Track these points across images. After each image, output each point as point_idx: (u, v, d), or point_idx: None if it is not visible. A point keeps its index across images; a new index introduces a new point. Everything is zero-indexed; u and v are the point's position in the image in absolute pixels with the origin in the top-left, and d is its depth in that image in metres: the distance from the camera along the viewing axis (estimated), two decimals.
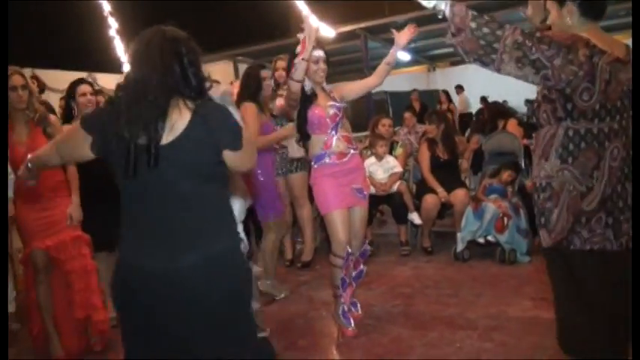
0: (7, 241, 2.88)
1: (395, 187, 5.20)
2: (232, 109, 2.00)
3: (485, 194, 4.75)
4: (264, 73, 4.28)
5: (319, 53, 3.40)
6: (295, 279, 4.82)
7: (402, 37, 3.40)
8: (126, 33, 10.47)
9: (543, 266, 2.24)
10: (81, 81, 3.95)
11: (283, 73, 4.88)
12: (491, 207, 4.56)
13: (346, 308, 3.51)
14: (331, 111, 3.39)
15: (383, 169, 5.32)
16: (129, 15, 9.91)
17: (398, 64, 15.33)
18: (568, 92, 1.88)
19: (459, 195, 4.92)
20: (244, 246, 2.48)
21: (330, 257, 3.46)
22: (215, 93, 2.10)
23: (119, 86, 1.78)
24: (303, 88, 3.33)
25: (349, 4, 12.58)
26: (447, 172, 5.11)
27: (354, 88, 3.62)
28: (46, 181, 3.16)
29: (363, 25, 11.28)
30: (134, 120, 1.67)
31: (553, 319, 2.21)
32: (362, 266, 3.64)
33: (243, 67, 13.15)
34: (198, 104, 1.74)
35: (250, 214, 5.24)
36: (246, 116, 3.51)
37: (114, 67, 11.14)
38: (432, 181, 5.06)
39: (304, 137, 3.45)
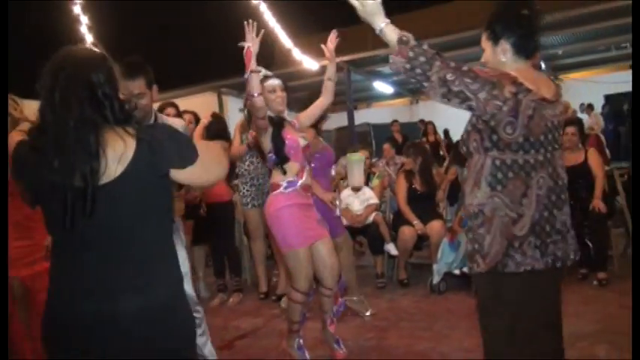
0: (6, 243, 2.80)
1: (371, 218, 5.18)
2: None
3: (462, 225, 4.73)
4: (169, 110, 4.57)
5: (274, 82, 3.33)
6: (269, 312, 4.74)
7: (329, 45, 3.40)
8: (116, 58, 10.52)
9: None
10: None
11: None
12: (465, 237, 4.53)
13: (301, 342, 3.43)
14: (302, 142, 3.32)
15: (359, 200, 5.30)
16: (113, 46, 9.96)
17: (381, 97, 15.57)
18: (493, 124, 1.98)
19: (435, 227, 4.90)
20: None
21: (290, 292, 3.34)
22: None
23: (37, 129, 1.62)
24: (269, 115, 3.25)
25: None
26: (424, 204, 5.10)
27: (309, 113, 3.53)
28: (23, 209, 3.09)
29: (346, 57, 11.37)
30: (66, 166, 1.52)
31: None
32: (341, 299, 3.56)
33: (227, 99, 13.24)
34: (138, 129, 1.59)
35: (225, 248, 5.24)
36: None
37: None
38: (408, 213, 5.04)
39: (283, 160, 3.26)
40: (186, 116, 5.14)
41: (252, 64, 2.99)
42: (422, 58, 1.97)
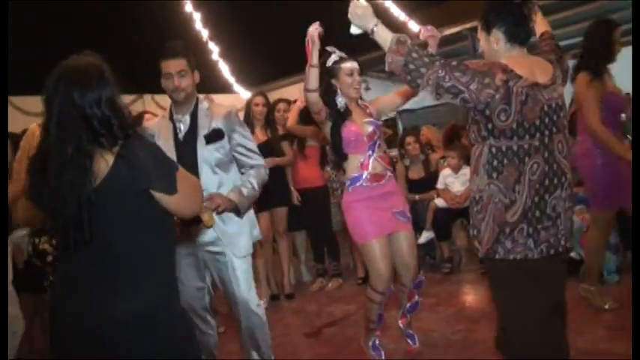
0: (7, 241, 2.97)
1: None
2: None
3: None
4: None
5: (352, 64, 3.09)
6: (364, 298, 4.64)
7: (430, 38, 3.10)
8: (229, 56, 10.95)
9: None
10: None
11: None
12: (575, 219, 4.04)
13: (377, 342, 3.27)
14: (369, 128, 3.09)
15: (459, 181, 4.99)
16: (229, 39, 10.33)
17: None
18: (487, 114, 2.02)
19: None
20: None
21: (367, 291, 3.18)
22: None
23: (40, 153, 1.67)
24: (335, 104, 3.08)
25: (453, 4, 12.05)
26: None
27: (389, 101, 3.28)
28: None
29: (469, 25, 10.74)
30: (61, 195, 1.58)
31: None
32: (417, 297, 3.32)
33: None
34: (122, 145, 1.62)
35: (322, 234, 5.22)
36: None
37: (225, 87, 11.69)
38: None
39: (341, 158, 3.14)
40: (281, 105, 5.17)
41: (312, 57, 2.86)
42: (425, 59, 2.03)
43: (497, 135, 2.04)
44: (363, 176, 3.07)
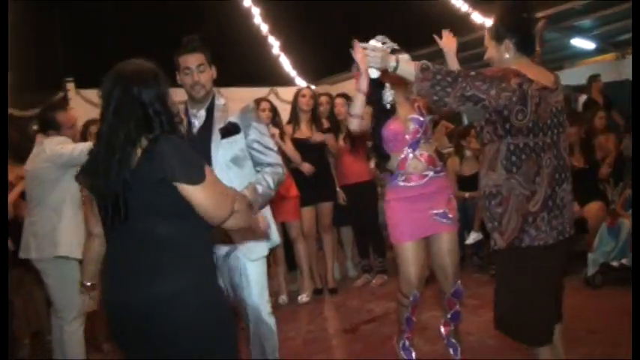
0: (7, 241, 3.10)
1: None
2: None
3: (625, 208, 4.01)
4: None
5: (405, 57, 2.76)
6: None
7: (448, 43, 2.95)
8: (290, 49, 11.04)
9: None
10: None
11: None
12: (628, 224, 3.82)
13: (407, 344, 3.16)
14: (411, 126, 2.95)
15: None
16: (289, 33, 10.40)
17: (578, 56, 13.84)
18: (506, 114, 2.21)
19: (592, 209, 4.23)
20: None
21: (397, 293, 3.12)
22: None
23: (97, 136, 1.87)
24: (380, 101, 2.99)
25: None
26: (583, 182, 4.40)
27: None
28: None
29: (538, 14, 10.31)
30: (106, 174, 1.74)
31: None
32: (457, 307, 3.11)
33: None
34: (151, 139, 1.73)
35: (367, 230, 5.17)
36: None
37: (287, 81, 11.81)
38: None
39: (382, 158, 3.04)
40: (323, 98, 5.16)
41: (361, 83, 2.76)
42: (448, 79, 2.22)
43: (514, 133, 2.22)
44: (400, 175, 2.98)
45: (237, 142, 2.68)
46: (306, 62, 11.38)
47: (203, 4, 8.34)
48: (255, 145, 2.71)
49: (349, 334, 3.99)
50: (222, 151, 2.66)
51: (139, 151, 1.73)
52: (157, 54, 2.49)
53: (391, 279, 5.10)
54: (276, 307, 4.69)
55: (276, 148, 2.85)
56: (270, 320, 2.77)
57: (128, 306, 1.76)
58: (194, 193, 1.72)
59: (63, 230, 3.28)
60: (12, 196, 3.88)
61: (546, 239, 2.25)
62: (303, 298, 4.85)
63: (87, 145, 2.98)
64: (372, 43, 2.70)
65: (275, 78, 12.09)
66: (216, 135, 2.65)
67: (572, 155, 4.51)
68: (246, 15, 8.95)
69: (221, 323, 1.88)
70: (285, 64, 11.49)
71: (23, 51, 7.83)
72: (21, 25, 7.69)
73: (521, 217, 2.25)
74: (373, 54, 2.39)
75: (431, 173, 2.97)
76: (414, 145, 2.96)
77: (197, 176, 1.73)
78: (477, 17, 10.06)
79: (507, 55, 2.34)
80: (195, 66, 2.61)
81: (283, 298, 4.91)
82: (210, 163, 2.58)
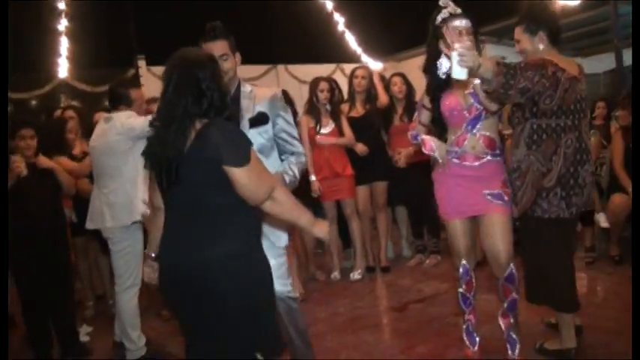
0: (7, 241, 3.18)
1: None
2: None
3: None
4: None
5: (462, 23, 2.72)
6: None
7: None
8: (355, 26, 10.98)
9: None
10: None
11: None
12: None
13: (471, 328, 3.03)
14: (470, 101, 2.78)
15: None
16: (354, 9, 10.35)
17: None
18: (536, 99, 2.48)
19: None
20: None
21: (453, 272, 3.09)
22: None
23: (157, 111, 2.06)
24: (434, 71, 2.82)
25: None
26: None
27: None
28: None
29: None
30: (163, 142, 1.94)
31: None
32: (514, 294, 2.85)
33: (489, 48, 12.31)
34: (204, 124, 1.91)
35: (422, 210, 5.15)
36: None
37: (353, 58, 11.77)
38: (623, 178, 4.27)
39: (440, 129, 2.94)
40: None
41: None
42: (512, 72, 2.39)
43: (539, 115, 2.53)
44: (456, 152, 2.84)
45: (266, 131, 2.65)
46: (373, 39, 11.31)
47: None
48: (283, 135, 2.70)
49: (397, 312, 4.05)
50: (251, 140, 2.60)
51: (192, 133, 1.90)
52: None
53: (444, 260, 5.10)
54: (328, 284, 4.89)
55: (299, 137, 2.81)
56: (291, 303, 2.72)
57: (179, 268, 1.94)
58: (237, 174, 1.89)
59: (139, 199, 3.47)
60: (83, 167, 4.10)
61: (558, 212, 2.56)
62: (355, 275, 4.93)
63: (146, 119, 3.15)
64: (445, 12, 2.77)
65: (341, 55, 12.09)
66: (244, 124, 2.61)
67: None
68: None
69: (265, 288, 2.04)
70: (351, 41, 11.46)
71: (98, 29, 8.24)
72: (97, 5, 8.07)
73: (535, 191, 2.60)
74: (468, 53, 2.30)
75: (487, 157, 2.81)
76: (474, 123, 2.81)
77: (242, 160, 1.90)
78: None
79: (541, 47, 2.63)
80: (219, 55, 2.52)
81: (335, 275, 5.01)
82: None
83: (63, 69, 8.42)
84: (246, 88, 2.70)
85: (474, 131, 2.80)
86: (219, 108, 1.97)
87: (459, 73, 2.36)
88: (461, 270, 2.96)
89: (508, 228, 2.82)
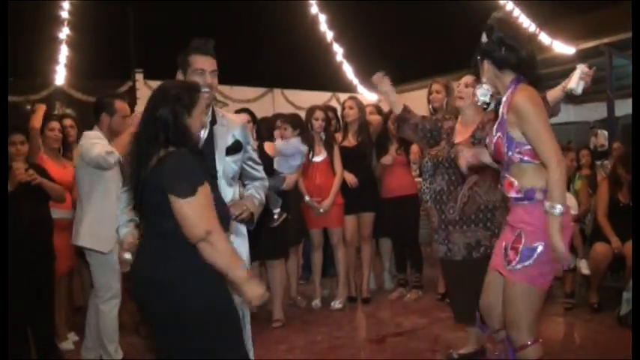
0: (7, 241, 3.17)
1: None
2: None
3: None
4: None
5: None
6: (438, 314, 4.60)
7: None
8: (353, 58, 11.12)
9: None
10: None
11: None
12: None
13: None
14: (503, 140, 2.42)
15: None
16: (353, 41, 10.52)
17: None
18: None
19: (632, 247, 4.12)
20: None
21: None
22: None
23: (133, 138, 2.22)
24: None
25: (590, 17, 11.21)
26: (628, 219, 4.31)
27: None
28: None
29: (606, 40, 10.01)
30: (134, 166, 2.12)
31: None
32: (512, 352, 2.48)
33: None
34: (167, 153, 2.04)
35: (406, 244, 5.19)
36: None
37: (349, 88, 11.90)
38: (605, 228, 4.35)
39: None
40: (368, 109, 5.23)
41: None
42: None
43: None
44: None
45: (239, 159, 2.69)
46: (370, 70, 11.46)
47: (271, 8, 8.57)
48: (250, 162, 2.77)
49: (375, 344, 4.05)
50: (227, 167, 2.63)
51: (155, 161, 2.04)
52: (222, 53, 2.64)
53: (425, 296, 5.13)
54: (308, 311, 4.87)
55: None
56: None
57: (143, 283, 2.10)
58: (177, 204, 1.97)
59: (111, 228, 3.13)
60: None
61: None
62: (337, 304, 4.94)
63: (104, 149, 3.27)
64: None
65: (337, 84, 12.24)
66: (220, 151, 2.61)
67: (620, 191, 4.43)
68: (313, 21, 9.12)
69: (221, 304, 2.10)
70: (349, 71, 11.61)
71: (98, 40, 8.31)
72: (99, 17, 8.17)
73: None
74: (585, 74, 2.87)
75: (511, 199, 2.43)
76: (506, 164, 2.45)
77: (186, 192, 1.97)
78: (545, 38, 9.92)
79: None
80: (210, 70, 2.56)
81: (316, 303, 5.01)
82: (215, 179, 2.52)
83: (60, 76, 8.48)
84: (219, 113, 2.71)
85: (505, 173, 2.49)
86: (176, 142, 2.06)
87: (579, 86, 2.93)
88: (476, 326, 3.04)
89: (512, 296, 2.41)
